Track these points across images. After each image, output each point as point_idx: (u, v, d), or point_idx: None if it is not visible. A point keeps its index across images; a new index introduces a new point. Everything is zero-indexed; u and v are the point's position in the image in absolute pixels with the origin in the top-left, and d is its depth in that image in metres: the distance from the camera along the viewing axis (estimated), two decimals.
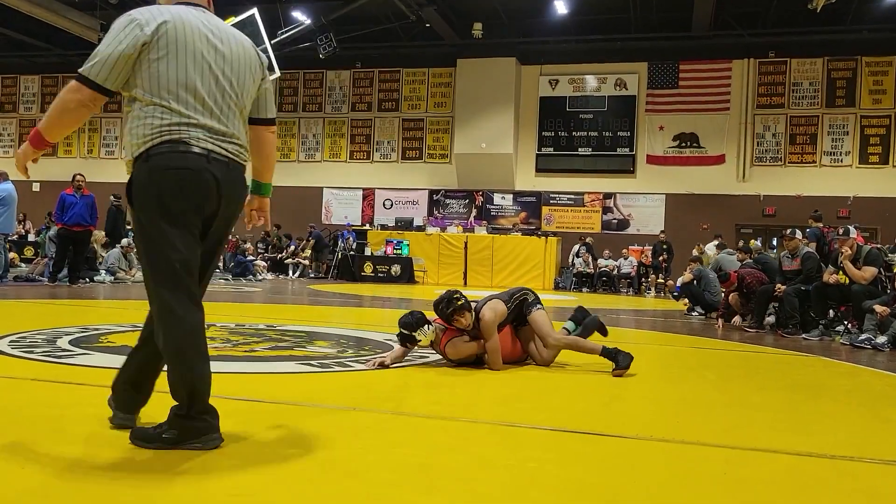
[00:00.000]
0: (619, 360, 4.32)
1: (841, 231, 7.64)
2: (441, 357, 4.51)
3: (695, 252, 13.78)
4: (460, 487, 2.13)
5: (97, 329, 5.38)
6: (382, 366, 4.22)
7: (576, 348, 4.57)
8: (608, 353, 4.39)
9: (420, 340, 4.26)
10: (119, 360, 4.01)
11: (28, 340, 4.63)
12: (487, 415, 3.16)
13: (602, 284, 17.50)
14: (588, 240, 18.16)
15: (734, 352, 6.29)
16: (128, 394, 2.57)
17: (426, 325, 4.26)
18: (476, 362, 4.45)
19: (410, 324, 4.23)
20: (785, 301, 7.73)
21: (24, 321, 6.00)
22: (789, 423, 3.32)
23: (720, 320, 8.61)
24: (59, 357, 4.05)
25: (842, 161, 18.25)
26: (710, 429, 3.10)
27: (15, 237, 15.60)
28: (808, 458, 2.63)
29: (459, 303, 4.27)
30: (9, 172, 11.34)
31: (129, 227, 19.35)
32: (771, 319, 8.21)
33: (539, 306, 4.57)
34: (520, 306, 4.55)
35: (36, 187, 22.53)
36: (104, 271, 12.14)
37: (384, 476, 2.19)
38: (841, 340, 7.04)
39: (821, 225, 10.40)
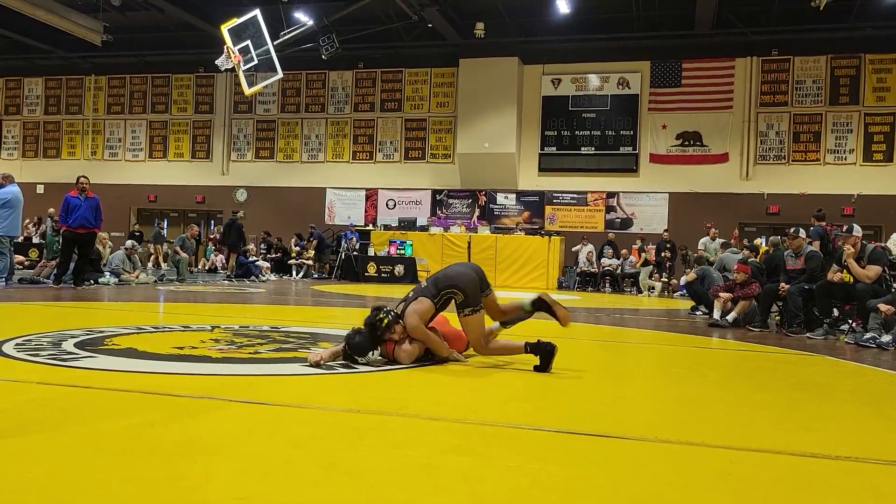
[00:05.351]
0: (542, 358, 4.28)
1: (844, 228, 7.63)
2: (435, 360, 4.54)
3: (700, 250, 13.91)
4: (464, 488, 2.14)
5: (102, 332, 5.40)
6: (317, 364, 4.17)
7: (504, 352, 4.59)
8: (532, 347, 4.35)
9: (364, 362, 4.36)
10: (124, 363, 4.04)
11: (34, 343, 4.64)
12: (491, 415, 3.17)
13: (605, 284, 17.50)
14: (610, 235, 18.27)
15: (738, 351, 6.29)
16: None
17: (372, 353, 4.36)
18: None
19: (359, 347, 4.28)
20: (789, 300, 7.72)
21: (29, 324, 6.02)
22: (793, 423, 3.31)
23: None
24: (65, 360, 4.06)
25: (846, 159, 18.22)
26: (714, 429, 3.10)
27: (20, 239, 15.66)
28: (812, 459, 2.63)
29: (384, 323, 4.27)
30: (14, 175, 11.39)
31: (134, 230, 19.58)
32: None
33: (467, 311, 4.42)
34: (449, 303, 4.51)
35: (40, 189, 22.61)
36: (108, 273, 12.17)
37: (388, 477, 2.20)
38: (845, 339, 7.03)
39: (824, 223, 10.38)
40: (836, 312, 7.89)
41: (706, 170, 18.96)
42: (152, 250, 16.90)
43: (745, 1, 17.66)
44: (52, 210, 17.25)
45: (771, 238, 10.70)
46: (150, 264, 16.11)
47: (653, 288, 16.56)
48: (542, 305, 4.59)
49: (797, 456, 2.65)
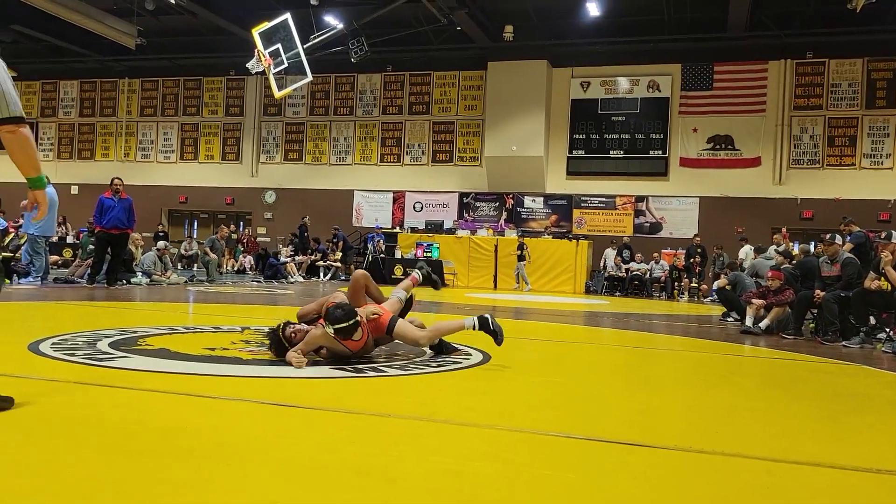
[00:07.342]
0: (496, 333, 4.54)
1: (883, 235, 7.46)
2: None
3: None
4: (497, 496, 2.12)
5: (135, 332, 5.47)
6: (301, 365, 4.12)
7: (445, 333, 4.83)
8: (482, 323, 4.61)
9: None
10: (158, 364, 4.09)
11: (69, 343, 4.72)
12: (522, 422, 3.14)
13: (634, 288, 17.33)
14: (625, 239, 18.14)
15: (771, 359, 6.17)
16: None
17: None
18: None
19: (336, 318, 4.29)
20: (824, 307, 7.56)
21: (65, 323, 6.13)
22: (832, 435, 3.24)
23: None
24: (101, 360, 4.12)
25: (882, 163, 17.82)
26: (750, 439, 3.04)
27: (55, 239, 15.97)
28: (853, 472, 2.56)
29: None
30: (50, 176, 11.61)
31: (159, 231, 19.87)
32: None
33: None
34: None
35: (74, 190, 23.04)
36: (140, 273, 12.36)
37: (420, 483, 2.19)
38: (883, 348, 6.87)
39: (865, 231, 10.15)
40: (872, 320, 7.71)
41: (738, 174, 18.68)
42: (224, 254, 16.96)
43: (779, 3, 17.39)
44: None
45: (801, 246, 10.49)
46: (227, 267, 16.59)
47: (524, 282, 16.64)
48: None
49: (838, 469, 2.59)
